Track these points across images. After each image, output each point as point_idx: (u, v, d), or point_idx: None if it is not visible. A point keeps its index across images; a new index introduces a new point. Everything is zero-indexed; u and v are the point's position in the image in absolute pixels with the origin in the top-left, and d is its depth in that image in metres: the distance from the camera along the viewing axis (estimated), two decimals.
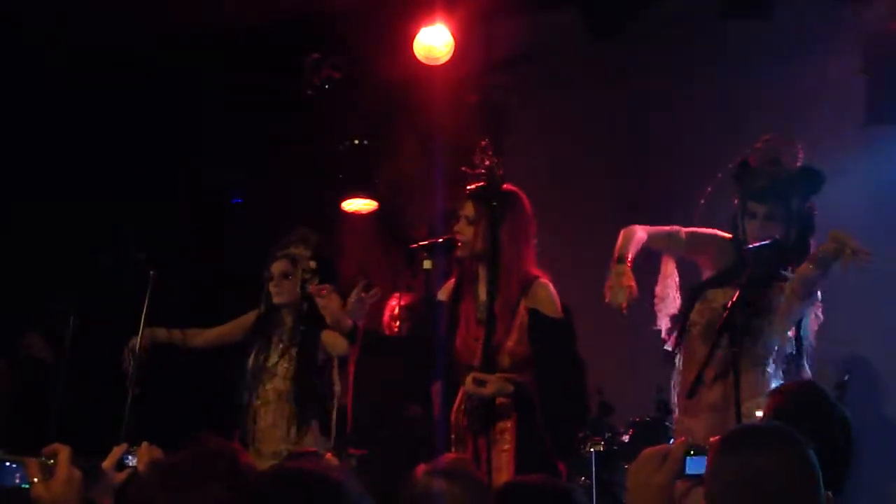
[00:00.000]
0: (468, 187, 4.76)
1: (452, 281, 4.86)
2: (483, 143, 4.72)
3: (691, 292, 4.77)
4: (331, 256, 5.61)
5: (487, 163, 4.69)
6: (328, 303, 5.03)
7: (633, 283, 4.50)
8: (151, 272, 5.52)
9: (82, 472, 2.87)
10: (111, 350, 5.71)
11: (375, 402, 5.26)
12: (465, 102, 6.68)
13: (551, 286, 4.77)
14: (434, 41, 6.50)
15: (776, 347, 4.62)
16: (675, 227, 4.83)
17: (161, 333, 5.66)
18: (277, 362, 5.47)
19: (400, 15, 6.51)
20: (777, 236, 4.54)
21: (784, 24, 6.24)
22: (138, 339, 5.43)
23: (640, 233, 4.71)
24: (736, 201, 4.73)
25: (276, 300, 5.52)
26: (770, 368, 4.60)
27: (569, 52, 6.68)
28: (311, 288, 5.27)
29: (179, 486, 2.43)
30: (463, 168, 4.76)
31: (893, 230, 5.59)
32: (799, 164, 4.66)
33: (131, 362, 5.49)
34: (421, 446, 4.82)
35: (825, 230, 4.76)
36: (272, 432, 5.38)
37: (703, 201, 4.85)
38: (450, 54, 6.51)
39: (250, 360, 5.53)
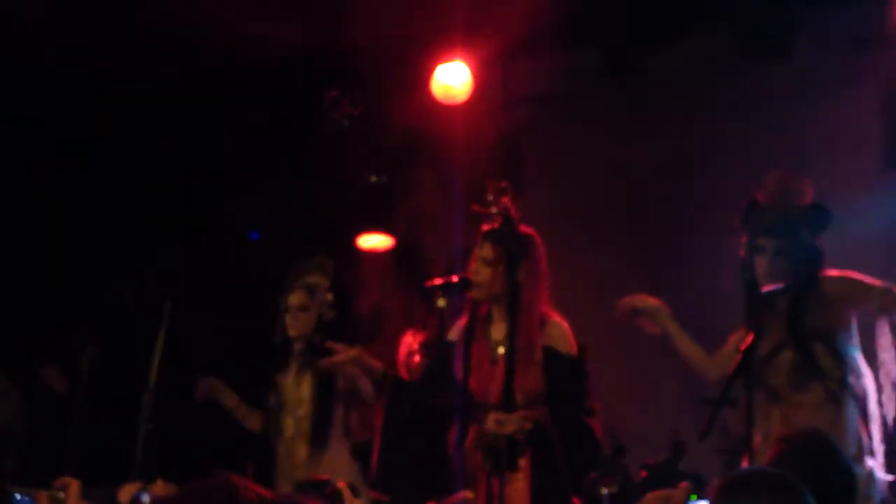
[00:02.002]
0: (485, 229, 4.78)
1: (463, 321, 4.86)
2: (502, 184, 4.74)
3: None
4: (349, 284, 5.63)
5: (505, 204, 4.72)
6: (345, 369, 5.07)
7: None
8: (168, 304, 5.54)
9: (100, 502, 2.89)
10: (127, 383, 5.72)
11: (398, 446, 5.27)
12: (483, 141, 6.70)
13: (565, 324, 4.81)
14: (452, 80, 6.53)
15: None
16: (731, 338, 4.81)
17: (231, 399, 5.66)
18: (294, 390, 5.50)
19: (419, 53, 6.55)
20: (785, 282, 4.53)
21: (803, 67, 6.26)
22: (153, 372, 5.44)
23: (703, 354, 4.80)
24: (743, 240, 4.73)
25: (291, 333, 5.54)
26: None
27: (587, 92, 6.70)
28: (325, 362, 5.27)
29: None
30: (474, 207, 4.78)
31: None
32: (808, 200, 4.67)
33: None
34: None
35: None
36: (294, 459, 5.40)
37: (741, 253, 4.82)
38: (468, 93, 6.54)
39: (270, 398, 5.55)
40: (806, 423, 4.40)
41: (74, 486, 2.81)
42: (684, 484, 3.43)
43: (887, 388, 4.60)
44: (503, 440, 4.57)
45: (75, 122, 6.97)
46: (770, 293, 4.57)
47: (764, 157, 6.19)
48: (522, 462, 4.64)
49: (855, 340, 4.64)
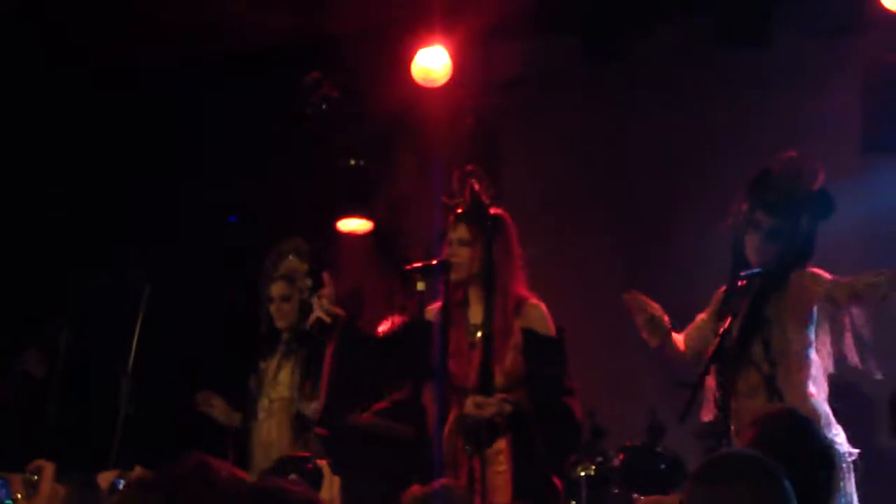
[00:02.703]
0: (457, 211, 4.79)
1: (439, 304, 4.85)
2: (468, 168, 4.77)
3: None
4: (327, 263, 5.62)
5: (475, 188, 4.73)
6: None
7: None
8: (146, 288, 5.53)
9: (77, 485, 2.89)
10: (105, 367, 5.71)
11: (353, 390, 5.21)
12: (463, 124, 6.70)
13: (543, 306, 4.82)
14: (432, 63, 6.52)
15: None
16: (698, 317, 4.86)
17: (222, 412, 5.65)
18: (278, 375, 5.50)
19: (398, 37, 6.53)
20: (766, 265, 4.56)
21: (782, 53, 6.27)
22: (131, 357, 5.44)
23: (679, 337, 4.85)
24: (744, 207, 4.70)
25: (278, 324, 5.56)
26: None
27: (566, 76, 6.70)
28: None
29: None
30: (443, 199, 4.81)
31: (888, 257, 5.58)
32: (817, 186, 4.66)
33: None
34: (413, 469, 4.81)
35: (819, 256, 4.80)
36: (278, 444, 5.40)
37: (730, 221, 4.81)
38: (448, 76, 6.53)
39: (251, 381, 5.55)
40: (745, 408, 4.42)
41: (49, 469, 2.80)
42: (675, 495, 3.44)
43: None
44: (483, 423, 4.57)
45: (51, 106, 6.94)
46: (746, 276, 4.59)
47: (742, 142, 6.21)
48: (503, 445, 4.64)
49: (810, 333, 4.66)
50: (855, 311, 4.49)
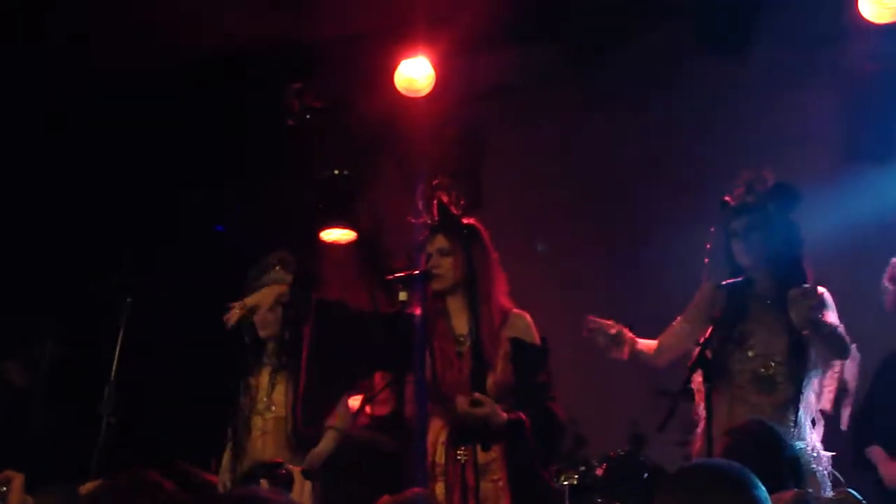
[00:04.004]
0: (432, 222, 4.81)
1: (417, 313, 4.84)
2: (435, 181, 4.79)
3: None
4: (312, 277, 5.61)
5: (443, 199, 4.76)
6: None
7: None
8: (130, 298, 5.52)
9: (59, 496, 2.88)
10: (88, 377, 5.69)
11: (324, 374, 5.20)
12: (446, 134, 6.71)
13: (528, 316, 4.85)
14: (415, 73, 6.54)
15: None
16: (675, 321, 4.91)
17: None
18: (272, 394, 5.48)
19: (382, 47, 6.54)
20: (761, 261, 4.59)
21: (764, 62, 6.30)
22: (114, 367, 5.42)
23: (650, 343, 4.93)
24: (720, 230, 4.83)
25: (261, 334, 5.54)
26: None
27: (549, 85, 6.71)
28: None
29: None
30: (409, 218, 4.83)
31: (870, 265, 5.61)
32: (770, 183, 4.77)
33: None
34: (397, 480, 4.81)
35: None
36: (260, 456, 5.38)
37: (707, 260, 4.91)
38: (431, 86, 6.54)
39: (242, 398, 5.54)
40: (752, 412, 4.46)
41: (17, 480, 2.78)
42: None
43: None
44: (480, 421, 4.56)
45: (33, 116, 6.92)
46: (728, 285, 4.63)
47: (724, 151, 6.23)
48: (496, 454, 4.65)
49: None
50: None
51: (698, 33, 6.29)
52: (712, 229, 4.89)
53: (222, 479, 5.24)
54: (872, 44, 5.94)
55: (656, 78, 6.56)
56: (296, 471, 4.59)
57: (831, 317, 4.64)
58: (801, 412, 4.61)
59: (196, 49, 6.73)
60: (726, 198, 4.82)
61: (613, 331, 4.84)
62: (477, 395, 4.58)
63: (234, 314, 4.77)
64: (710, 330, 4.45)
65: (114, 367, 5.39)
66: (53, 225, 6.99)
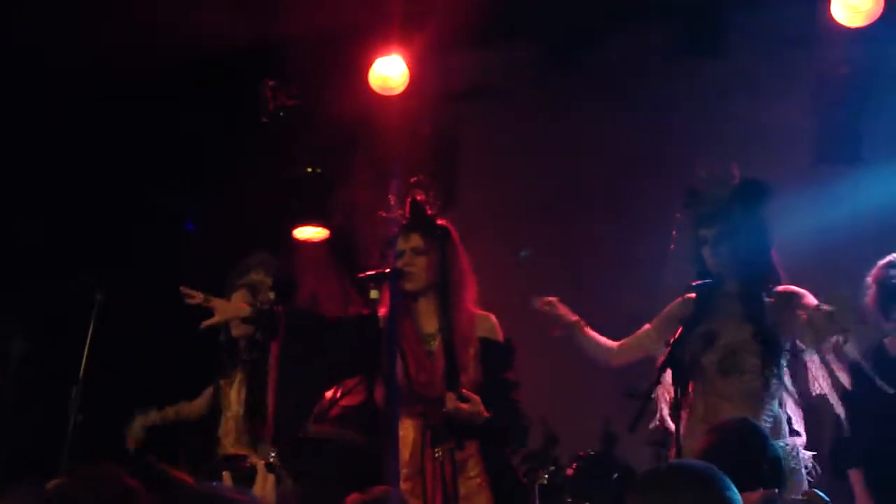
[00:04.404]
0: (406, 221, 4.80)
1: (384, 312, 4.81)
2: (412, 179, 4.79)
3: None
4: (291, 280, 5.61)
5: (418, 198, 4.75)
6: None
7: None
8: (99, 296, 5.49)
9: (25, 495, 2.87)
10: (57, 375, 5.66)
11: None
12: (420, 133, 6.71)
13: (493, 317, 4.87)
14: (390, 72, 6.53)
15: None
16: (643, 327, 4.93)
17: (154, 416, 5.69)
18: (237, 396, 5.51)
19: (356, 45, 6.53)
20: (732, 267, 4.60)
21: (737, 64, 6.32)
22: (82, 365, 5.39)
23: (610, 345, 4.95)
24: (685, 226, 4.84)
25: (234, 333, 5.55)
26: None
27: (524, 84, 6.72)
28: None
29: None
30: (380, 213, 4.82)
31: (839, 269, 5.65)
32: (736, 181, 4.76)
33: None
34: (369, 477, 4.80)
35: None
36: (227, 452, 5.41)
37: (672, 246, 4.92)
38: (405, 85, 6.54)
39: (215, 399, 5.58)
40: (731, 412, 4.47)
41: None
42: None
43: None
44: (469, 417, 4.57)
45: (7, 113, 6.87)
46: (697, 287, 4.65)
47: (698, 152, 6.23)
48: (472, 451, 4.65)
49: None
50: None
51: (674, 36, 6.31)
52: (678, 216, 4.89)
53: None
54: (845, 47, 5.98)
55: (629, 78, 6.58)
56: (259, 464, 4.58)
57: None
58: (776, 408, 4.61)
59: (171, 48, 6.70)
60: (696, 185, 4.81)
61: (560, 312, 4.90)
62: (464, 391, 4.59)
63: (196, 298, 4.74)
64: (679, 330, 4.46)
65: (82, 366, 5.36)
66: (22, 222, 6.94)
